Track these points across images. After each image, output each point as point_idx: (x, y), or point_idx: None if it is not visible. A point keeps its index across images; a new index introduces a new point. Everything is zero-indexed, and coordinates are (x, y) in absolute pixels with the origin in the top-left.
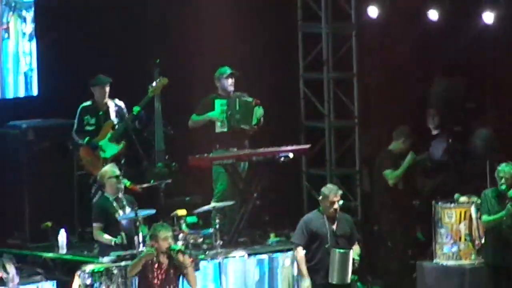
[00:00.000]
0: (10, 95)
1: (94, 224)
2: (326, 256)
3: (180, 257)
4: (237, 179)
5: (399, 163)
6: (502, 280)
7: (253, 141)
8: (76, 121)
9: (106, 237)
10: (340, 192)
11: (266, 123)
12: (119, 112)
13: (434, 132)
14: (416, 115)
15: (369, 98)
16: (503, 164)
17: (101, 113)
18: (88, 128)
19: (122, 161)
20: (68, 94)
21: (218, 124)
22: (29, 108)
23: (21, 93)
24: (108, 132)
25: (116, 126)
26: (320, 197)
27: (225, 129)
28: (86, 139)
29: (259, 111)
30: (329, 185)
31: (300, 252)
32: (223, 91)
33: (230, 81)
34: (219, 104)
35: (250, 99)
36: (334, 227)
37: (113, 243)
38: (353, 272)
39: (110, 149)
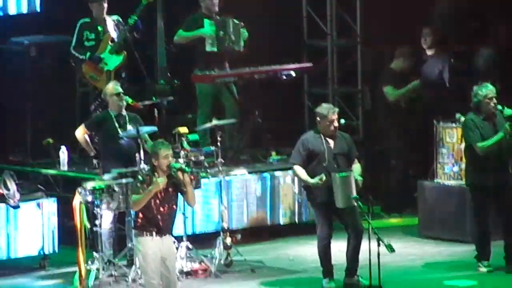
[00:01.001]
0: (13, 11)
1: (82, 126)
2: (325, 174)
3: (180, 175)
4: (235, 96)
5: (399, 81)
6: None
7: (256, 59)
8: (75, 36)
9: (85, 141)
10: (336, 109)
11: (270, 41)
12: (117, 26)
13: (428, 52)
14: (420, 34)
15: (372, 17)
16: (485, 86)
17: (100, 28)
18: (87, 43)
19: (123, 74)
20: (71, 10)
21: (208, 43)
22: (32, 24)
23: (24, 9)
24: (107, 44)
25: (115, 39)
26: (318, 118)
27: (215, 49)
28: (88, 53)
29: (244, 34)
30: (325, 105)
31: (298, 168)
32: (207, 10)
33: (215, 0)
34: (208, 24)
35: (237, 21)
36: (332, 145)
37: (92, 154)
38: (356, 192)
39: (112, 61)
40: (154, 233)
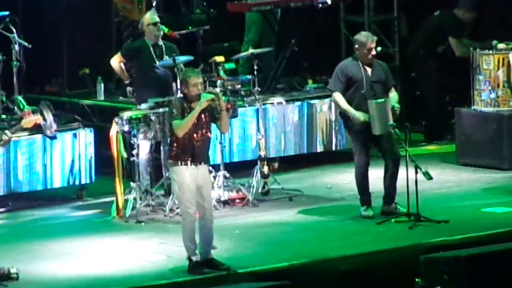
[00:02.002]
0: None
1: (118, 54)
2: (363, 101)
3: (215, 103)
4: (273, 24)
5: (459, 31)
6: None
7: None
8: None
9: (120, 68)
10: (375, 38)
11: None
12: None
13: None
14: None
15: None
16: None
17: None
18: None
19: (154, 3)
20: None
21: None
22: None
23: None
24: None
25: None
26: (356, 45)
27: None
28: None
29: None
30: (364, 32)
31: (338, 95)
32: None
33: None
34: None
35: None
36: (369, 73)
37: (127, 81)
38: (394, 120)
39: None
40: (188, 162)
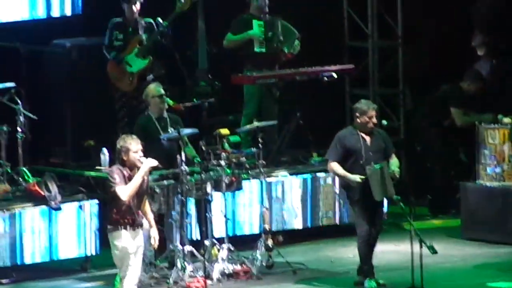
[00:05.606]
0: (56, 13)
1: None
2: (362, 172)
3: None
4: (275, 97)
5: (464, 103)
6: None
7: (297, 61)
8: (107, 36)
9: None
10: (375, 106)
11: (310, 43)
12: (148, 28)
13: (479, 52)
14: (462, 34)
15: (413, 17)
16: None
17: (130, 29)
18: (116, 43)
19: (149, 77)
20: (114, 13)
21: (257, 44)
22: (75, 26)
23: (68, 12)
24: (135, 47)
25: (144, 42)
26: (358, 114)
27: (264, 50)
28: (113, 53)
29: (297, 47)
30: (364, 101)
31: (334, 164)
32: (257, 11)
33: (266, 0)
34: (257, 25)
35: (295, 31)
36: (368, 142)
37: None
38: (396, 192)
39: (137, 63)
40: (128, 227)
